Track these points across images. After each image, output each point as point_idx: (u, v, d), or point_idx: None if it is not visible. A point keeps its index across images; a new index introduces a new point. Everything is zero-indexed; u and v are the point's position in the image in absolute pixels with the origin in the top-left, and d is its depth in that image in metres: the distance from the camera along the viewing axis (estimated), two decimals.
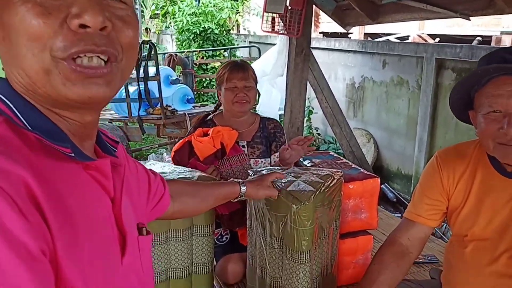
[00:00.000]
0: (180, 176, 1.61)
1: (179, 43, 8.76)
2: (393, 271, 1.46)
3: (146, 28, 15.64)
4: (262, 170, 1.68)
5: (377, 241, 2.33)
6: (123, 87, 4.45)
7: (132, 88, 4.30)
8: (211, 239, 1.68)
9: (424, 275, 2.00)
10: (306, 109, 6.14)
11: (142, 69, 4.01)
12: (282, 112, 4.63)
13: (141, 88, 4.13)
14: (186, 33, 8.23)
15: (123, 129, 4.73)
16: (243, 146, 2.14)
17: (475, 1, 3.08)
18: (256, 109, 5.30)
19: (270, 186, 1.45)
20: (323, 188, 1.54)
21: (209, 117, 2.22)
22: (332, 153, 2.24)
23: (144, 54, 4.05)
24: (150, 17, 15.32)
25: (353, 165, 2.01)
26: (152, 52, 3.96)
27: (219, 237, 1.99)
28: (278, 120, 2.31)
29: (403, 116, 4.88)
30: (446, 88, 4.31)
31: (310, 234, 1.48)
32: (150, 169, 1.06)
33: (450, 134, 4.29)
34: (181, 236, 1.61)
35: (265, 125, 2.20)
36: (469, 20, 3.18)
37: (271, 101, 5.06)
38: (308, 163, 2.01)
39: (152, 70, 4.06)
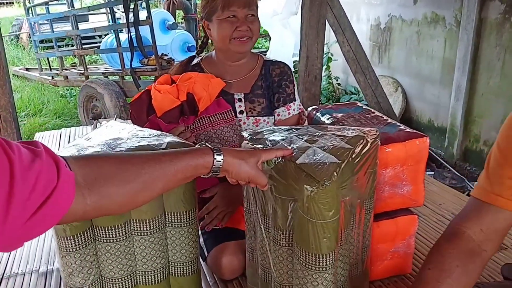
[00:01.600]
0: (141, 144, 1.11)
1: None
2: (459, 280, 0.97)
3: None
4: (263, 132, 1.16)
5: (422, 221, 1.82)
6: (113, 34, 3.89)
7: (123, 36, 3.74)
8: (193, 229, 1.19)
9: (493, 275, 1.49)
10: (324, 55, 5.50)
11: (131, 13, 3.42)
12: (297, 58, 4.01)
13: (132, 35, 3.56)
14: None
15: (119, 84, 4.22)
16: (239, 100, 1.61)
17: None
18: (267, 55, 4.67)
19: (259, 167, 0.95)
20: (351, 158, 1.02)
21: (195, 60, 1.67)
22: (359, 104, 1.69)
23: None
24: None
25: (389, 120, 1.47)
26: None
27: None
28: (290, 66, 1.72)
29: (438, 60, 4.22)
30: (492, 23, 3.61)
31: (333, 230, 0.98)
32: (29, 144, 0.56)
33: (495, 79, 3.64)
34: (148, 228, 1.13)
35: (268, 71, 1.64)
36: None
37: (283, 45, 4.40)
38: (328, 119, 1.48)
39: (144, 14, 3.48)
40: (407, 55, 4.61)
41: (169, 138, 1.15)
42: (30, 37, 6.17)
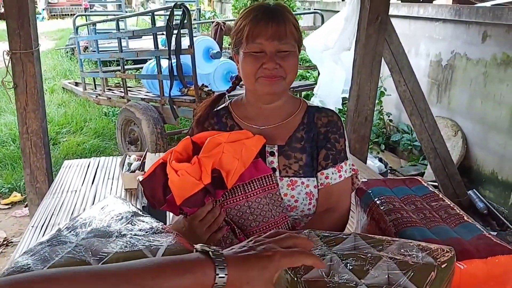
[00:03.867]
0: (132, 249, 0.84)
1: (235, 11, 7.94)
2: None
3: None
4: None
5: None
6: (155, 61, 3.75)
7: (165, 63, 3.58)
8: None
9: None
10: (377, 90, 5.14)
11: (174, 40, 3.26)
12: (346, 95, 3.69)
13: (173, 63, 3.39)
14: None
15: (158, 110, 4.07)
16: (272, 154, 1.26)
17: None
18: (314, 92, 4.35)
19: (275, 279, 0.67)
20: None
21: (224, 104, 1.36)
22: (422, 182, 1.35)
23: (176, 21, 3.28)
24: None
25: (463, 216, 1.12)
26: (186, 19, 3.18)
27: None
28: (336, 110, 1.38)
29: (506, 106, 3.75)
30: None
31: None
32: None
33: None
34: None
35: (313, 119, 1.28)
36: None
37: (333, 80, 4.09)
38: (382, 204, 1.16)
39: (187, 42, 3.30)
40: (471, 97, 4.17)
41: (170, 239, 0.88)
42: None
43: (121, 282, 0.58)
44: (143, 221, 0.96)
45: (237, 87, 1.40)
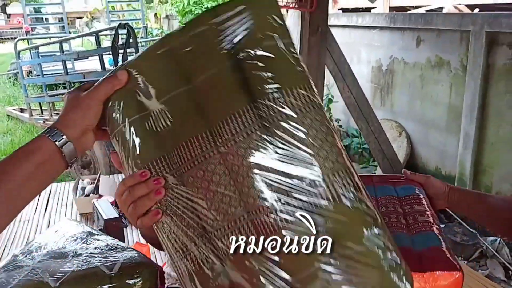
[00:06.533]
0: (89, 266, 0.87)
1: None
2: None
3: (155, 14, 14.85)
4: None
5: None
6: None
7: None
8: None
9: None
10: (324, 97, 5.33)
11: (120, 59, 3.26)
12: None
13: None
14: (189, 15, 7.44)
15: None
16: None
17: None
18: None
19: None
20: None
21: None
22: (411, 182, 1.11)
23: (122, 40, 3.29)
24: (159, 1, 14.49)
25: (431, 223, 0.97)
26: (131, 38, 3.20)
27: None
28: None
29: (443, 106, 4.03)
30: (500, 69, 3.44)
31: None
32: None
33: (505, 128, 3.43)
34: None
35: None
36: None
37: None
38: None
39: None
40: (411, 99, 4.43)
41: (126, 254, 0.92)
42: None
43: None
44: (98, 239, 0.99)
45: None
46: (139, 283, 0.88)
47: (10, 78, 9.28)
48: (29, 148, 0.63)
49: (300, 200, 0.56)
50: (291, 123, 0.56)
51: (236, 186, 0.56)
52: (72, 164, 0.66)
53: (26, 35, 8.36)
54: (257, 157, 0.57)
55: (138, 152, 0.62)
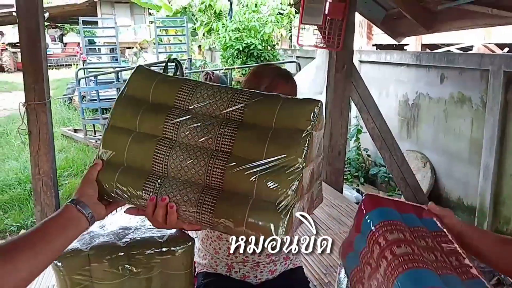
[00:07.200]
0: (145, 235, 1.23)
1: (224, 60, 8.54)
2: None
3: (199, 46, 15.67)
4: None
5: None
6: None
7: None
8: None
9: None
10: (354, 127, 5.61)
11: None
12: None
13: None
14: (230, 49, 8.00)
15: None
16: None
17: None
18: None
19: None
20: None
21: None
22: (433, 218, 0.97)
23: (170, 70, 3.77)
24: (203, 34, 15.32)
25: (471, 267, 0.86)
26: (178, 72, 3.67)
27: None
28: None
29: (465, 139, 4.23)
30: None
31: None
32: None
33: None
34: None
35: None
36: None
37: None
38: (390, 231, 0.86)
39: None
40: (435, 132, 4.65)
41: (171, 230, 1.27)
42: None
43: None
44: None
45: None
46: (181, 250, 1.23)
47: (65, 101, 10.12)
48: (61, 222, 0.85)
49: None
50: None
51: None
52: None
53: (83, 64, 9.13)
54: None
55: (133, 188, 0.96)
